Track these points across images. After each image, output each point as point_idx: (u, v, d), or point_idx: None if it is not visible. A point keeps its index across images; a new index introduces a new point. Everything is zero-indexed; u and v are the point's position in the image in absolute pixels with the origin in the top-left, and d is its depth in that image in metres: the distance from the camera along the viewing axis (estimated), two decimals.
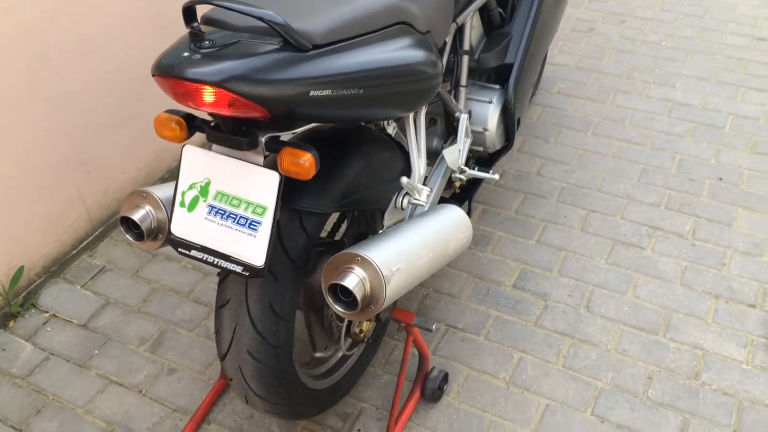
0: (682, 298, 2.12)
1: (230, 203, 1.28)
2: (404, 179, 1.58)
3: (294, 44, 1.19)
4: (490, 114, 2.08)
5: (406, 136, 1.65)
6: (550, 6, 2.25)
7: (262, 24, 1.17)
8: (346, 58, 1.27)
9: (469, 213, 2.14)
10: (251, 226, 1.27)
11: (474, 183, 2.18)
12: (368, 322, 1.68)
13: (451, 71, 1.99)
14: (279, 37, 1.19)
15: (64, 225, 2.24)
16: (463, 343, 2.01)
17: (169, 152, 2.58)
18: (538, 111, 2.93)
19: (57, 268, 2.25)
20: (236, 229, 1.28)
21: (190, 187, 1.31)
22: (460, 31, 1.95)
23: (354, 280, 1.29)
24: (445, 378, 1.85)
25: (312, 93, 1.21)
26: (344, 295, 1.31)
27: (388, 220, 1.67)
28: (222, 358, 1.44)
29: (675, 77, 3.10)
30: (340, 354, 1.78)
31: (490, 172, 2.05)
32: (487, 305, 2.11)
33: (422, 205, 1.71)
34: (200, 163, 1.30)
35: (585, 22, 3.53)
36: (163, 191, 1.40)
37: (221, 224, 1.29)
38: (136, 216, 1.36)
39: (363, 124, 1.61)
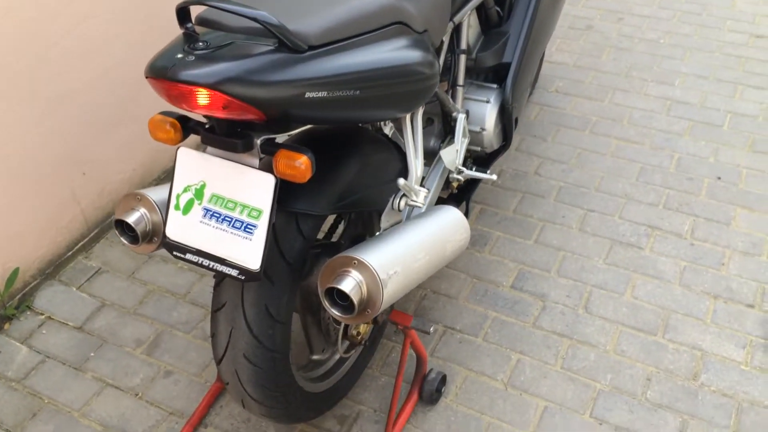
0: (681, 298, 2.11)
1: (225, 206, 1.27)
2: (401, 181, 1.57)
3: (289, 45, 1.17)
4: (488, 113, 2.07)
5: (403, 137, 1.64)
6: (547, 4, 2.24)
7: (257, 25, 1.15)
8: (342, 59, 1.26)
9: (466, 213, 2.13)
10: (247, 230, 1.25)
11: (472, 183, 2.16)
12: (365, 325, 1.67)
13: (448, 71, 1.97)
14: (274, 38, 1.17)
15: (59, 226, 2.23)
16: (461, 344, 1.99)
17: (165, 152, 2.57)
18: (536, 110, 2.92)
19: (52, 270, 2.24)
20: (232, 233, 1.26)
21: (185, 190, 1.30)
22: (457, 30, 1.93)
23: (351, 284, 1.28)
24: (443, 380, 1.85)
25: (308, 94, 1.20)
26: (341, 298, 1.30)
27: (385, 221, 1.65)
28: (218, 362, 1.43)
29: (673, 75, 3.09)
30: (337, 356, 1.77)
31: (488, 172, 2.04)
32: (485, 306, 2.10)
33: (419, 207, 1.70)
34: (195, 165, 1.29)
35: (583, 20, 3.52)
36: (157, 193, 1.38)
37: (216, 227, 1.27)
38: (131, 219, 1.35)
39: (359, 125, 1.60)
